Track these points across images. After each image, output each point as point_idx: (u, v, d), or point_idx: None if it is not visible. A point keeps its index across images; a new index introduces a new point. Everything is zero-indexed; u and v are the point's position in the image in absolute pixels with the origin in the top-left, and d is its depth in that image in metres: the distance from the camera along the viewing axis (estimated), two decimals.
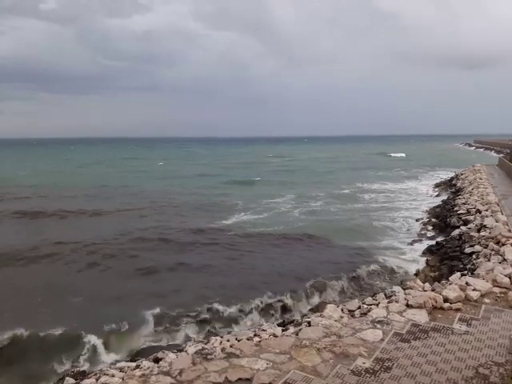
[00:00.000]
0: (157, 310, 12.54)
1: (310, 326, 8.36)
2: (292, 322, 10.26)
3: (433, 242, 19.22)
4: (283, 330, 8.73)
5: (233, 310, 12.87)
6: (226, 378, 6.43)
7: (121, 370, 7.41)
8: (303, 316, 10.37)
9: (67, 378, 7.55)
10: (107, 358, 10.41)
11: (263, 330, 8.78)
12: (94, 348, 10.57)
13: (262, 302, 13.37)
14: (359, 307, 9.42)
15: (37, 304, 13.21)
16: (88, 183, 45.42)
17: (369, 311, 8.91)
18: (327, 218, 26.61)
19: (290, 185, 43.32)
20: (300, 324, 9.07)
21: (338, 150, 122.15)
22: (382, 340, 7.49)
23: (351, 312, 9.20)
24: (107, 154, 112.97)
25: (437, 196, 33.60)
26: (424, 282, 11.05)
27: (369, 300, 9.90)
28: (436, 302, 8.87)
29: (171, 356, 7.54)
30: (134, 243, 20.81)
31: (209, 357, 7.12)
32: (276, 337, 8.11)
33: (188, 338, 11.19)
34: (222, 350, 7.49)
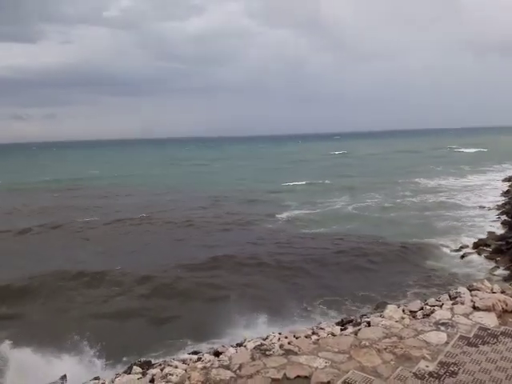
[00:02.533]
0: (224, 305, 12.98)
1: (369, 326, 8.20)
2: (350, 321, 10.11)
3: (502, 242, 18.09)
4: (342, 330, 8.64)
5: (293, 307, 12.92)
6: (285, 374, 6.48)
7: (183, 361, 7.72)
8: (362, 316, 10.18)
9: (134, 367, 7.99)
10: (171, 349, 10.90)
11: (321, 329, 8.74)
12: (159, 339, 11.14)
13: (319, 301, 13.33)
14: (421, 308, 9.08)
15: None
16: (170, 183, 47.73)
17: (432, 312, 8.57)
18: (387, 215, 25.90)
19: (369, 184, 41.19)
20: (359, 324, 8.92)
21: (410, 144, 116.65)
22: (447, 343, 7.18)
23: (413, 313, 8.89)
24: (166, 155, 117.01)
25: (507, 192, 31.52)
26: (492, 283, 10.43)
27: (432, 301, 9.52)
28: (506, 305, 8.35)
29: (231, 350, 7.73)
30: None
31: (267, 353, 7.22)
32: (334, 336, 8.04)
33: (247, 332, 11.39)
34: (281, 346, 7.56)
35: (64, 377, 8.34)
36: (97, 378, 8.17)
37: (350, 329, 8.58)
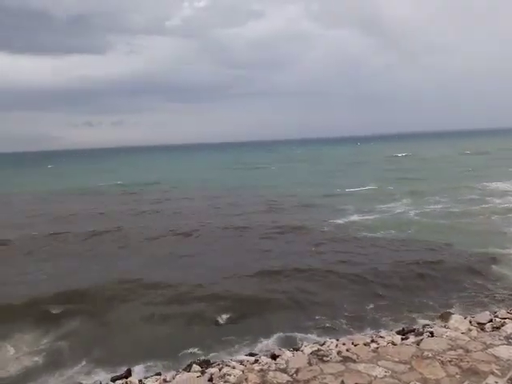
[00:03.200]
0: (278, 310, 13.08)
1: (432, 336, 7.87)
2: (412, 330, 9.74)
3: None
4: (403, 339, 8.36)
5: (349, 313, 12.68)
6: (342, 381, 6.38)
7: (241, 362, 7.85)
8: (425, 325, 9.75)
9: (194, 366, 8.25)
10: (228, 349, 11.11)
11: (381, 337, 8.51)
12: (218, 339, 11.42)
13: (377, 308, 12.94)
14: (490, 320, 8.56)
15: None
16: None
17: (502, 325, 8.06)
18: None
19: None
20: (421, 334, 8.57)
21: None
22: None
23: (481, 325, 8.40)
24: (228, 159, 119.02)
25: None
26: None
27: (502, 313, 8.95)
28: None
29: (288, 354, 7.75)
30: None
31: (325, 359, 7.15)
32: (395, 345, 7.80)
33: (304, 338, 11.34)
34: (338, 353, 7.46)
35: (128, 370, 8.78)
36: (158, 374, 8.53)
37: (412, 338, 8.28)
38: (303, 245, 20.68)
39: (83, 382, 8.78)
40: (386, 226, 23.73)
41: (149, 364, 10.32)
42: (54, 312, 13.48)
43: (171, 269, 17.82)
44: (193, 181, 54.32)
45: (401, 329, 10.59)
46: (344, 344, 8.14)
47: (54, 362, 10.60)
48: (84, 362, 10.41)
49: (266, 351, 8.79)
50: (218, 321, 12.56)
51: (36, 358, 10.81)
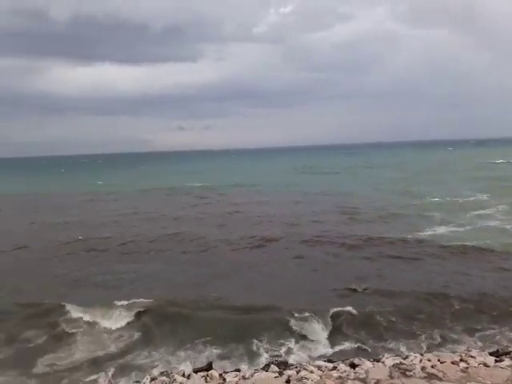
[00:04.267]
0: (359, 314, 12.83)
1: None
2: (508, 353, 8.93)
3: None
4: (496, 361, 7.71)
5: (437, 330, 11.99)
6: None
7: (319, 368, 7.80)
8: None
9: (272, 366, 8.36)
10: (305, 352, 11.08)
11: (471, 357, 7.92)
12: (295, 340, 11.50)
13: (467, 327, 12.07)
14: None
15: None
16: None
17: None
18: None
19: None
20: None
21: None
22: None
23: None
24: (309, 163, 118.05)
25: None
26: None
27: None
28: None
29: (368, 364, 7.54)
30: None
31: (407, 373, 6.85)
32: (487, 367, 7.22)
33: (385, 349, 10.94)
34: (422, 368, 7.09)
35: (209, 364, 9.14)
36: (237, 370, 8.76)
37: (507, 361, 7.61)
38: (387, 260, 19.25)
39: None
40: (478, 239, 21.83)
41: (231, 359, 10.79)
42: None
43: (246, 278, 17.52)
44: (272, 185, 53.77)
45: (495, 350, 9.78)
46: (429, 360, 7.71)
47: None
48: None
49: (345, 359, 8.60)
50: (293, 326, 12.54)
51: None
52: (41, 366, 11.28)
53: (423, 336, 11.94)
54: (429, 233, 24.07)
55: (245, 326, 12.54)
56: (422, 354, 8.27)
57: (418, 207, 32.64)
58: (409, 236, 23.21)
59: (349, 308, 13.37)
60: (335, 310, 13.23)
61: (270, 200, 40.42)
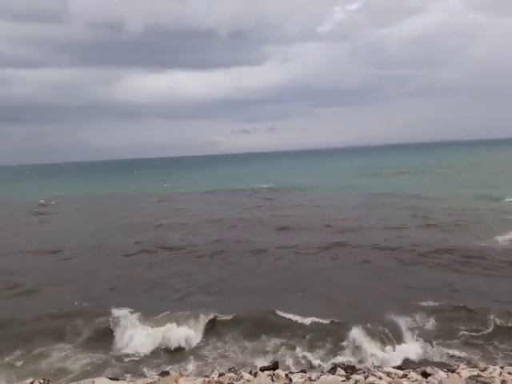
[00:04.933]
0: (429, 322, 12.33)
1: None
2: None
3: None
4: None
5: None
6: None
7: (388, 374, 7.56)
8: None
9: (339, 369, 8.24)
10: (372, 357, 10.79)
11: None
12: (359, 344, 11.23)
13: None
14: None
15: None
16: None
17: None
18: None
19: None
20: None
21: None
22: None
23: None
24: (374, 163, 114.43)
25: None
26: None
27: None
28: None
29: (441, 374, 7.18)
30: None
31: None
32: None
33: (458, 359, 10.35)
34: (502, 382, 6.63)
35: (276, 363, 9.22)
36: (303, 371, 8.75)
37: None
38: (461, 270, 17.82)
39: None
40: None
41: (294, 358, 10.84)
42: None
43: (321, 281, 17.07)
44: (336, 186, 52.33)
45: None
46: (510, 373, 7.18)
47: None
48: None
49: (416, 368, 8.26)
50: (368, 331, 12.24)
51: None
52: (119, 353, 12.19)
53: (500, 347, 11.18)
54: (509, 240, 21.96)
55: (310, 331, 12.43)
56: (502, 367, 7.71)
57: (497, 211, 29.96)
58: (485, 244, 21.18)
59: (418, 317, 12.84)
60: (401, 319, 12.74)
61: (334, 202, 39.46)
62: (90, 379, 6.82)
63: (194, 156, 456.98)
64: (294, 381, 7.77)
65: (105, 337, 13.13)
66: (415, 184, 51.58)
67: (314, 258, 20.57)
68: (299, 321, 12.93)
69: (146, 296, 16.20)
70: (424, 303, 13.96)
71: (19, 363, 11.81)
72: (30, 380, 6.85)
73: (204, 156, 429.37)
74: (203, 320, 13.19)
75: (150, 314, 14.01)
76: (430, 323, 12.58)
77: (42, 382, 6.70)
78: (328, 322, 12.71)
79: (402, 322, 12.51)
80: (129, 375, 10.59)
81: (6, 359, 12.02)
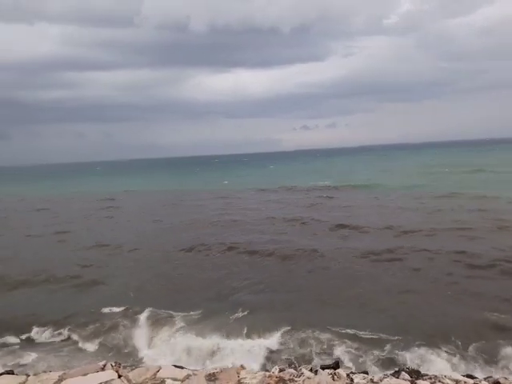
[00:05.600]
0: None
1: None
2: None
3: None
4: None
5: None
6: None
7: (457, 382, 7.17)
8: None
9: (403, 373, 7.95)
10: (435, 363, 10.35)
11: None
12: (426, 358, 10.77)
13: None
14: None
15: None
16: None
17: None
18: None
19: None
20: None
21: None
22: None
23: None
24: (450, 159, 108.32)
25: None
26: None
27: None
28: None
29: None
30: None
31: None
32: None
33: None
34: None
35: (337, 362, 9.10)
36: (365, 372, 8.54)
37: None
38: None
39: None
40: None
41: (355, 358, 10.62)
42: None
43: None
44: (401, 186, 49.02)
45: None
46: None
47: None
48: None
49: (488, 377, 7.78)
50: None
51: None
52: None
53: None
54: None
55: (372, 341, 11.99)
56: None
57: None
58: None
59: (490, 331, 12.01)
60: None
61: (398, 202, 37.46)
62: (157, 365, 7.14)
63: (255, 153, 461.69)
64: (355, 381, 7.60)
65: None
66: (490, 183, 46.90)
67: (372, 263, 19.15)
68: (359, 332, 12.38)
69: (208, 296, 16.21)
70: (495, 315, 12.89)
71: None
72: (103, 362, 7.28)
73: (265, 153, 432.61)
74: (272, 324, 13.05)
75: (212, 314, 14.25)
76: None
77: (113, 364, 7.10)
78: (389, 336, 12.03)
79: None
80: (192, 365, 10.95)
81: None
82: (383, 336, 11.99)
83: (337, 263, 19.61)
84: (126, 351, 12.61)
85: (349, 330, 12.41)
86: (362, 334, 12.19)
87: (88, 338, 13.32)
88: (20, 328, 13.98)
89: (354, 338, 12.02)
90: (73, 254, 24.07)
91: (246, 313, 14.27)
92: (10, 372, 7.36)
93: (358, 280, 17.10)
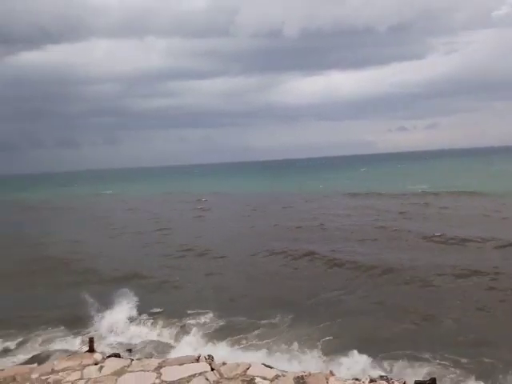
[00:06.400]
0: None
1: None
2: None
3: None
4: None
5: None
6: None
7: None
8: None
9: None
10: None
11: None
12: None
13: None
14: None
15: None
16: None
17: None
18: None
19: None
20: None
21: None
22: None
23: None
24: None
25: None
26: None
27: None
28: None
29: None
30: None
31: None
32: None
33: None
34: None
35: (433, 379, 8.52)
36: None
37: None
38: None
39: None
40: None
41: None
42: None
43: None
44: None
45: None
46: None
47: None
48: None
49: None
50: None
51: None
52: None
53: None
54: None
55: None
56: None
57: None
58: None
59: None
60: None
61: (507, 210, 33.04)
62: (247, 362, 7.33)
63: (349, 156, 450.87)
64: None
65: None
66: None
67: (478, 286, 16.46)
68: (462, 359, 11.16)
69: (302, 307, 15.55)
70: None
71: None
72: (197, 354, 7.66)
73: (358, 155, 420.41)
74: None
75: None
76: None
77: (206, 357, 7.45)
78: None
79: None
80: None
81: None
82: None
83: (433, 282, 17.34)
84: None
85: (452, 356, 11.36)
86: (464, 361, 11.13)
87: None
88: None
89: (456, 363, 11.04)
90: (163, 255, 25.21)
91: (333, 325, 13.75)
92: (117, 355, 8.09)
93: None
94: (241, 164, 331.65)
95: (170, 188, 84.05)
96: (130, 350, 12.51)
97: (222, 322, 14.54)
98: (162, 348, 12.99)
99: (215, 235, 30.93)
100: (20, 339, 13.71)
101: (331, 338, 12.83)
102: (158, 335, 14.07)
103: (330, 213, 38.38)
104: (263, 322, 14.28)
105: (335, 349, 12.04)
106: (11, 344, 13.43)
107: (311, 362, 11.36)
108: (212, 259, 23.73)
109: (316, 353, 11.96)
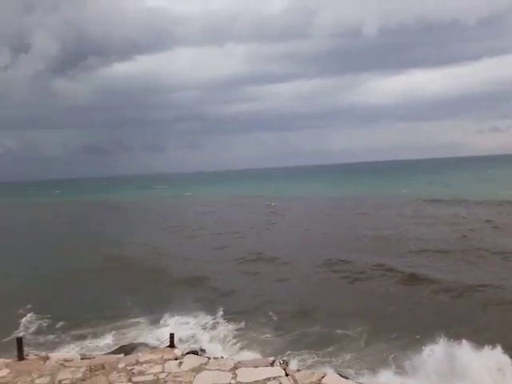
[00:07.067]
0: None
1: None
2: None
3: None
4: None
5: None
6: None
7: None
8: None
9: None
10: None
11: None
12: None
13: None
14: None
15: None
16: None
17: None
18: None
19: None
20: None
21: None
22: None
23: None
24: None
25: None
26: None
27: None
28: None
29: None
30: None
31: None
32: None
33: None
34: None
35: None
36: None
37: None
38: None
39: None
40: None
41: None
42: None
43: None
44: None
45: None
46: None
47: None
48: None
49: None
50: None
51: None
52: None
53: None
54: None
55: None
56: None
57: None
58: None
59: None
60: None
61: None
62: (322, 372, 7.19)
63: (434, 158, 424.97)
64: None
65: None
66: None
67: None
68: None
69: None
70: None
71: None
72: (272, 358, 7.66)
73: (445, 158, 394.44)
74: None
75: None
76: None
77: (281, 362, 7.42)
78: None
79: None
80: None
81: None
82: None
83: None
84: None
85: None
86: None
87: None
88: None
89: None
90: (234, 259, 25.78)
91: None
92: (195, 352, 8.36)
93: None
94: (320, 167, 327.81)
95: (246, 191, 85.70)
96: (203, 350, 12.90)
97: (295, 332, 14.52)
98: (231, 352, 13.21)
99: (286, 241, 30.83)
100: (109, 331, 15.09)
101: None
102: (224, 339, 14.45)
103: (406, 221, 35.94)
104: (338, 331, 14.13)
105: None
106: (101, 333, 14.80)
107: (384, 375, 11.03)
108: (281, 265, 23.77)
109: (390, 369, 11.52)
